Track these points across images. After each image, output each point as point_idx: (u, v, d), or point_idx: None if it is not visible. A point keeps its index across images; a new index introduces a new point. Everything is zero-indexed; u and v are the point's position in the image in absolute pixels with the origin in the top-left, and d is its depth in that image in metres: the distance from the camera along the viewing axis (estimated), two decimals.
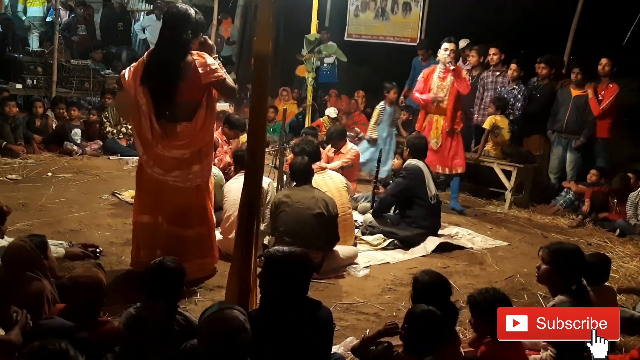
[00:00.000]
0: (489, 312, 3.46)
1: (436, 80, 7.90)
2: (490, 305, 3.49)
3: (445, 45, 7.79)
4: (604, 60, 8.32)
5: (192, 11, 4.79)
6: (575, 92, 8.47)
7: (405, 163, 6.87)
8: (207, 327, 2.95)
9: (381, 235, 6.46)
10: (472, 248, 6.59)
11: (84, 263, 4.70)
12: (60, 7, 12.08)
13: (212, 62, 4.74)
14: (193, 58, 4.69)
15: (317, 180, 5.96)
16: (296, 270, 3.40)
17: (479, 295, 3.56)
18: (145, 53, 4.97)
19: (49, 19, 13.42)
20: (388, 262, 6.00)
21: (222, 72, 4.76)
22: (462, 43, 9.76)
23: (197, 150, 4.85)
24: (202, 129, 4.81)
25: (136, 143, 5.01)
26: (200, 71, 4.65)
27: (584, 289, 3.95)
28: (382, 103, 8.96)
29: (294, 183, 5.74)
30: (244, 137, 7.86)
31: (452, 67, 7.68)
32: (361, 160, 8.27)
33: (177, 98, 4.70)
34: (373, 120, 8.89)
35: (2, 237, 4.50)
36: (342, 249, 5.71)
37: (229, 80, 4.82)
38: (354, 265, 5.74)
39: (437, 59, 7.99)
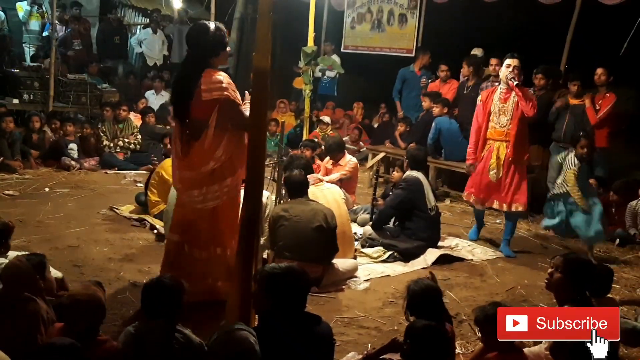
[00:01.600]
0: None
1: (497, 103, 6.75)
2: None
3: (507, 61, 6.72)
4: (599, 70, 8.28)
5: (211, 28, 4.61)
6: (573, 102, 8.44)
7: (405, 174, 6.85)
8: (217, 349, 2.92)
9: (381, 248, 6.43)
10: (472, 259, 6.55)
11: (83, 281, 4.67)
12: (56, 21, 12.07)
13: (222, 80, 4.52)
14: (203, 75, 4.52)
15: (315, 192, 5.94)
16: (294, 287, 3.37)
17: (492, 308, 3.54)
18: None
19: (45, 33, 13.45)
20: (388, 275, 5.97)
21: (233, 94, 4.55)
22: (478, 52, 9.73)
23: (210, 171, 4.62)
24: (210, 149, 4.57)
25: None
26: (203, 87, 4.48)
27: (588, 300, 3.95)
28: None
29: (289, 199, 5.72)
30: None
31: (515, 83, 6.62)
32: None
33: (189, 116, 4.60)
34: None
35: (8, 252, 4.46)
36: (341, 262, 5.68)
37: (244, 110, 4.54)
38: (354, 279, 5.71)
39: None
